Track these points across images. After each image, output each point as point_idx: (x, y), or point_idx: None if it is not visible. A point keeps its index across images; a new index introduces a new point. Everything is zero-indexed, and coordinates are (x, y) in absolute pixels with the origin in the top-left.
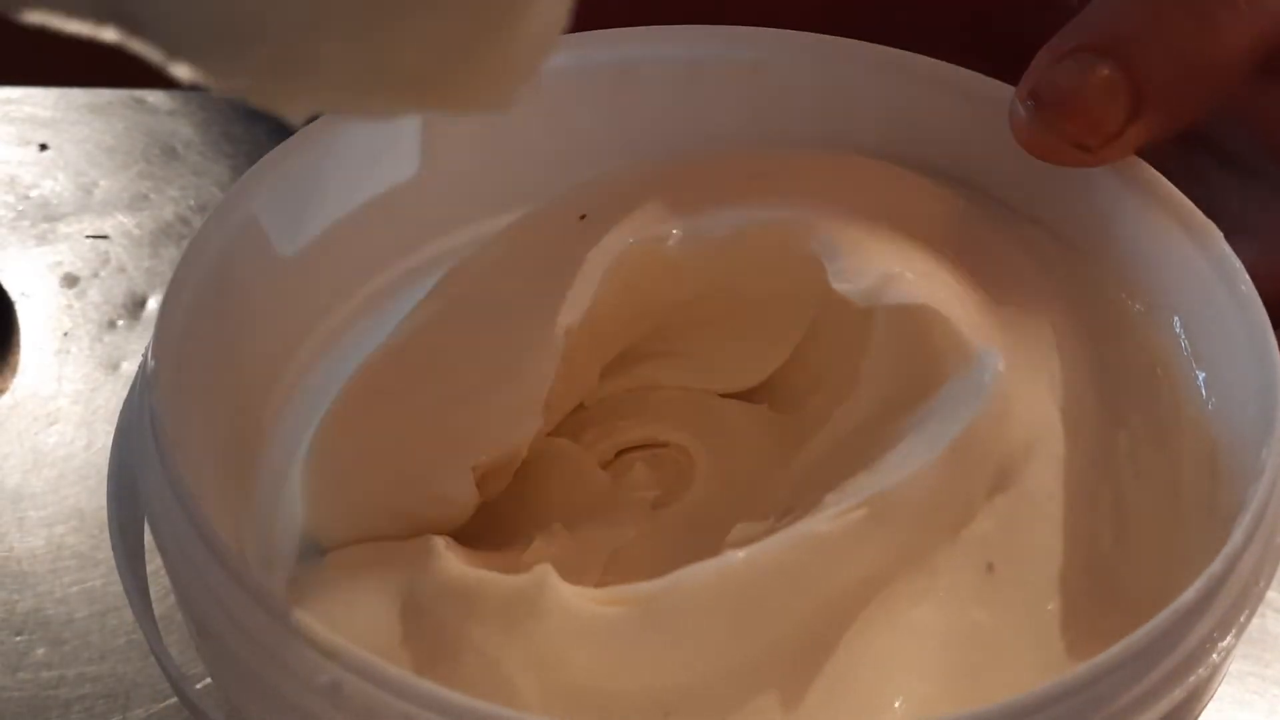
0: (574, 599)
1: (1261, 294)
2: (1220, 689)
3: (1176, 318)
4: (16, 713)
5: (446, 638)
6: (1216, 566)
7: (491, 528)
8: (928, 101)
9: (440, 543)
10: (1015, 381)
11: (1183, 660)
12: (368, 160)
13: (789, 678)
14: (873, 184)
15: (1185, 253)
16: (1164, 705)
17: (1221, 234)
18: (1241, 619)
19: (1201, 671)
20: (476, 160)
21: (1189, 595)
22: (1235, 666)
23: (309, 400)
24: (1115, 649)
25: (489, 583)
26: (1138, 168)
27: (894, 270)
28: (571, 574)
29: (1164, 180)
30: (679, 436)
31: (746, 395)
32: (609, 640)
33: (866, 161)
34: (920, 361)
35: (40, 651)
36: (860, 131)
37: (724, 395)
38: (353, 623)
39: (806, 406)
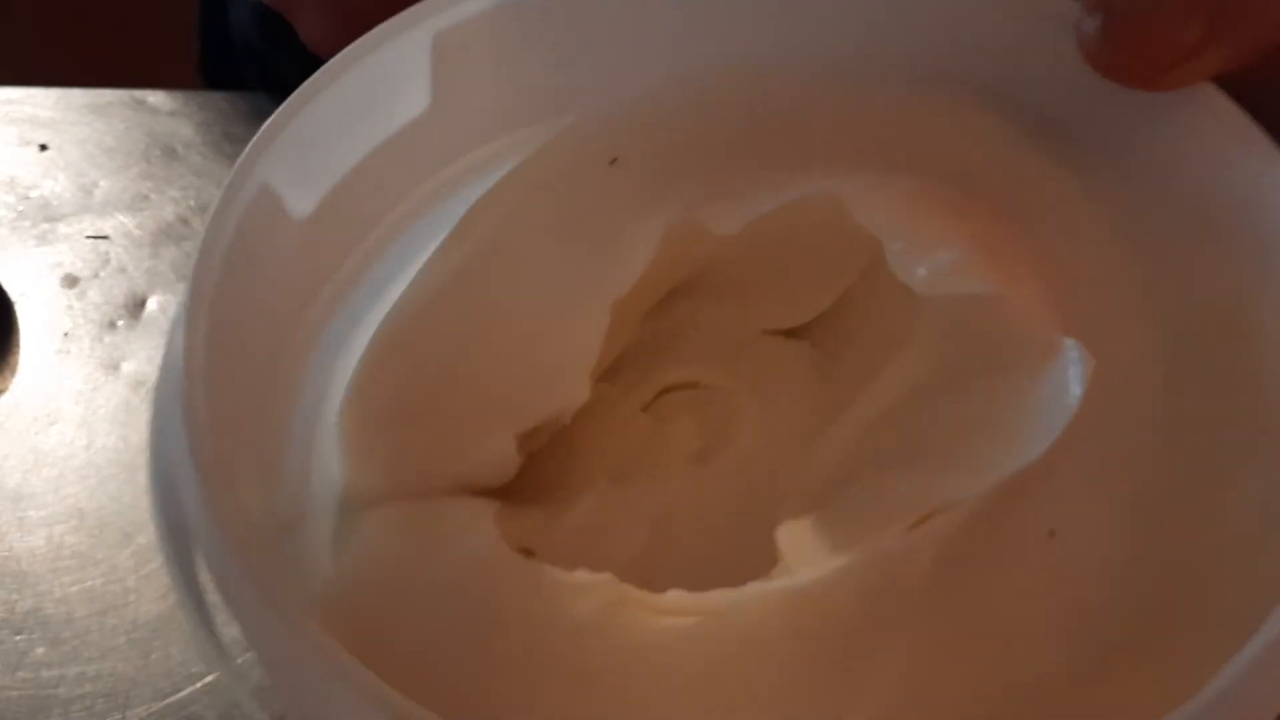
0: (641, 610)
1: None
2: None
3: (1251, 264)
4: (16, 712)
5: (496, 621)
6: None
7: (531, 475)
8: (981, 13)
9: (488, 514)
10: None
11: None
12: (377, 102)
13: (848, 670)
14: (921, 126)
15: (1261, 191)
16: None
17: None
18: None
19: None
20: (491, 87)
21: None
22: None
23: (342, 352)
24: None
25: (546, 584)
26: (1211, 95)
27: (957, 255)
28: (617, 538)
29: (1240, 111)
30: (721, 379)
31: (788, 332)
32: (674, 653)
33: (912, 100)
34: (986, 346)
35: (40, 651)
36: (906, 48)
37: (765, 332)
38: (396, 591)
39: (851, 348)
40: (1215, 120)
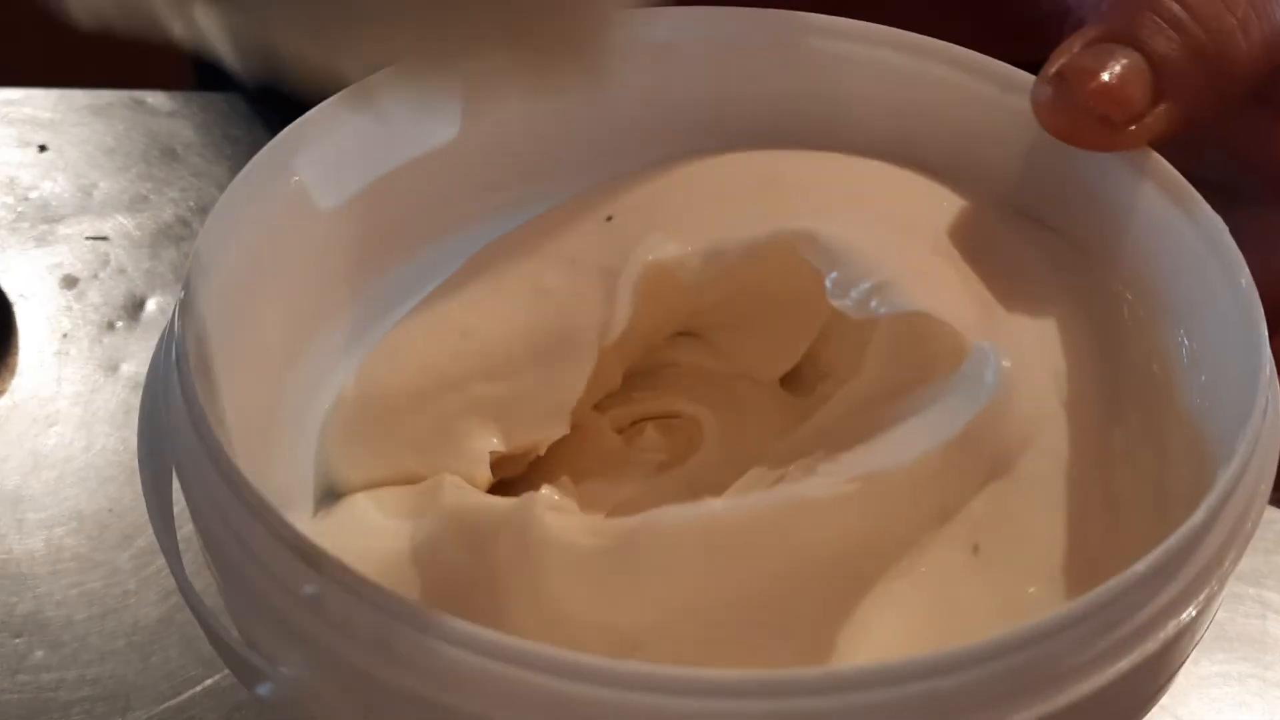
0: (556, 527)
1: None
2: (1220, 690)
3: (1178, 316)
4: (16, 715)
5: (450, 564)
6: (1174, 541)
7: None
8: (936, 94)
9: (451, 480)
10: (1018, 375)
11: (1131, 631)
12: (409, 120)
13: (759, 630)
14: (880, 188)
15: (1192, 250)
16: (1110, 672)
17: (1226, 229)
18: (1201, 596)
19: (1149, 644)
20: (516, 126)
21: (1139, 567)
22: (1235, 668)
23: (337, 357)
24: (1061, 611)
25: (483, 509)
26: (1150, 160)
27: (887, 278)
28: None
29: (1174, 172)
30: (693, 409)
31: None
32: (584, 570)
33: (875, 165)
34: (920, 358)
35: (39, 654)
36: (870, 127)
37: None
38: (371, 556)
39: (817, 391)
40: (1150, 184)
